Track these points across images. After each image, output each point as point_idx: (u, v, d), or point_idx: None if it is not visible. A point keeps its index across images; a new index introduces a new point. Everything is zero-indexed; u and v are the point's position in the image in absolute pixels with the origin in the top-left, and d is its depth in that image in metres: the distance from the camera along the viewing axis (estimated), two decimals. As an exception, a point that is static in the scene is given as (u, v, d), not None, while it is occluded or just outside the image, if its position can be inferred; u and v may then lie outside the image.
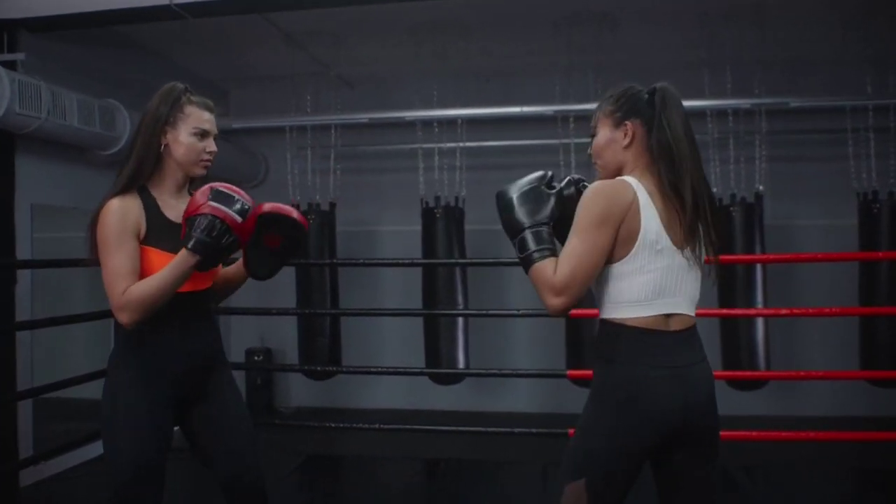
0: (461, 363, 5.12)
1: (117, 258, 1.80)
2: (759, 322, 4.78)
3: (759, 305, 4.77)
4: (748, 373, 4.70)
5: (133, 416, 1.84)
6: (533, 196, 1.72)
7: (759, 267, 4.79)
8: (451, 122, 5.28)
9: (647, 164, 1.70)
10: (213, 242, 1.78)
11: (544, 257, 1.65)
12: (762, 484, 3.78)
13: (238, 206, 1.81)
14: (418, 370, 4.61)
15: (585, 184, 1.86)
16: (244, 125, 5.65)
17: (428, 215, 5.17)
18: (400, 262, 4.46)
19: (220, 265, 2.02)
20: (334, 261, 5.27)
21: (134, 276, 1.80)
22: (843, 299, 4.76)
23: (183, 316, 1.91)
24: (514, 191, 1.74)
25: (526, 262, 1.67)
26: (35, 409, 4.10)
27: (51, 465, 3.94)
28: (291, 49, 4.93)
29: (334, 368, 4.78)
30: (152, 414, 1.86)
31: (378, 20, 4.56)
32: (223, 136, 5.77)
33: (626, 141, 1.71)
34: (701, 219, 1.66)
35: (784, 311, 4.14)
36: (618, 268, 1.65)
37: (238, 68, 5.71)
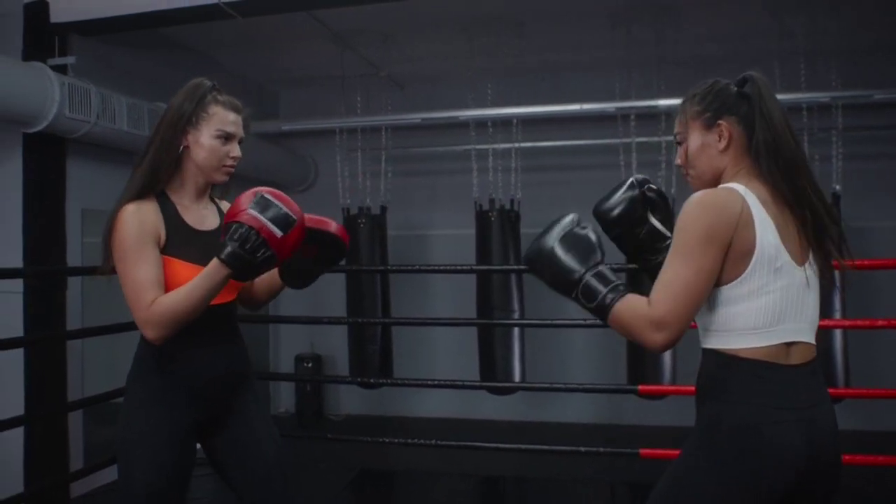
0: (517, 373, 4.94)
1: (140, 268, 1.63)
2: (838, 333, 4.47)
3: (837, 315, 4.47)
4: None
5: (149, 444, 1.69)
6: (573, 240, 1.50)
7: (836, 273, 4.48)
8: (505, 121, 5.12)
9: (749, 167, 1.47)
10: (246, 255, 1.57)
11: (621, 294, 1.42)
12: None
13: (281, 217, 1.59)
14: (474, 384, 4.43)
15: (652, 186, 1.65)
16: (293, 127, 5.58)
17: (482, 219, 4.99)
18: (454, 268, 4.30)
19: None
20: (386, 267, 5.16)
21: (160, 286, 1.64)
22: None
23: (206, 331, 1.74)
24: (550, 242, 1.51)
25: (601, 310, 1.44)
26: (86, 417, 4.06)
27: (102, 475, 3.88)
28: (341, 49, 4.83)
29: (386, 381, 4.64)
30: (170, 441, 1.71)
31: (428, 17, 4.43)
32: (273, 139, 5.80)
33: (723, 144, 1.49)
34: (821, 227, 1.43)
35: (864, 323, 3.84)
36: (729, 291, 1.40)
37: (287, 70, 5.65)
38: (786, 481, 1.37)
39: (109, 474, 3.85)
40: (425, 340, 5.70)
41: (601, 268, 1.47)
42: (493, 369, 4.94)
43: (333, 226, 1.82)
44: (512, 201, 5.05)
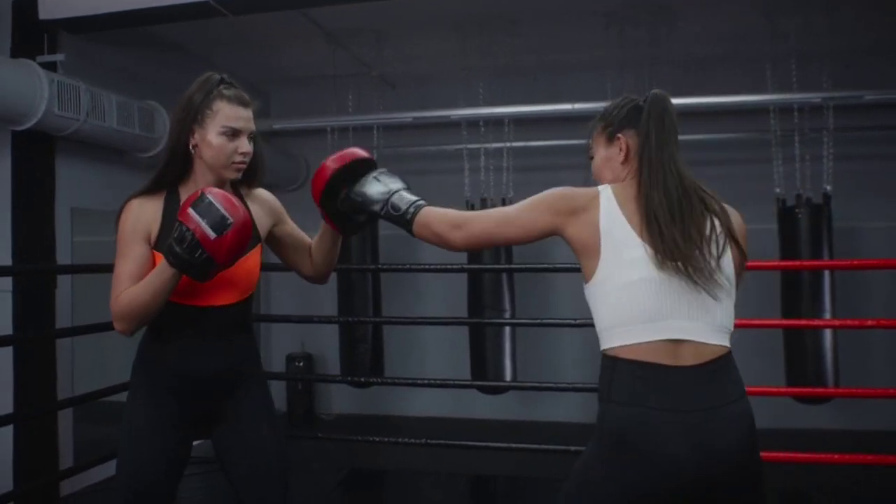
0: (508, 372, 4.94)
1: (122, 262, 1.67)
2: (827, 333, 4.49)
3: (827, 315, 4.49)
4: (812, 389, 4.41)
5: (137, 436, 1.73)
6: (382, 176, 1.76)
7: (826, 273, 4.50)
8: (497, 121, 5.12)
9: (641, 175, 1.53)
10: (183, 255, 1.57)
11: (423, 206, 1.64)
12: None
13: (216, 219, 1.56)
14: (465, 383, 4.43)
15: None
16: (285, 126, 5.56)
17: (473, 218, 4.98)
18: (444, 267, 4.29)
19: (254, 279, 1.86)
20: (377, 266, 5.13)
21: (133, 280, 1.65)
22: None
23: (199, 331, 1.74)
24: (361, 181, 1.74)
25: (405, 218, 1.65)
26: (75, 415, 4.04)
27: (91, 474, 3.86)
28: (332, 48, 4.82)
29: (377, 380, 4.64)
30: (158, 434, 1.73)
31: (420, 16, 4.42)
32: (264, 137, 5.68)
33: (622, 156, 1.57)
34: (704, 230, 1.45)
35: (870, 322, 3.84)
36: (594, 288, 1.47)
37: (279, 69, 5.62)
38: (666, 486, 1.36)
39: (99, 473, 3.84)
40: (416, 340, 5.69)
41: (403, 191, 1.71)
42: (484, 368, 4.94)
43: (360, 152, 1.83)
44: (503, 201, 5.03)
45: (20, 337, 3.69)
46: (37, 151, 3.84)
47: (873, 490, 3.66)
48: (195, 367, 1.75)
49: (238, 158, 1.74)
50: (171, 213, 1.70)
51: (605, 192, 1.50)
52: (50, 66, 3.72)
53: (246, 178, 1.83)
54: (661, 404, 1.36)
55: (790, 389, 4.40)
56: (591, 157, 1.66)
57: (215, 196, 1.59)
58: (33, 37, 3.80)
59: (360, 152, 1.82)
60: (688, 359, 1.40)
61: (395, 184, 1.74)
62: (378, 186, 1.72)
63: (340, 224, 1.84)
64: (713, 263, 1.44)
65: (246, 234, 1.64)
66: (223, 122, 1.71)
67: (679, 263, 1.41)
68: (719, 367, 1.43)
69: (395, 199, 1.69)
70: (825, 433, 4.97)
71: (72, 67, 3.84)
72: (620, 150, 1.56)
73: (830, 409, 4.89)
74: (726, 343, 1.46)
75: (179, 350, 1.74)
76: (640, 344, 1.40)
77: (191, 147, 1.73)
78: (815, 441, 4.45)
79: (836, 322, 4.48)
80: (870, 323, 3.53)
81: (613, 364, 1.43)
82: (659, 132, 1.49)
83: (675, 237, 1.42)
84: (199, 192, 1.61)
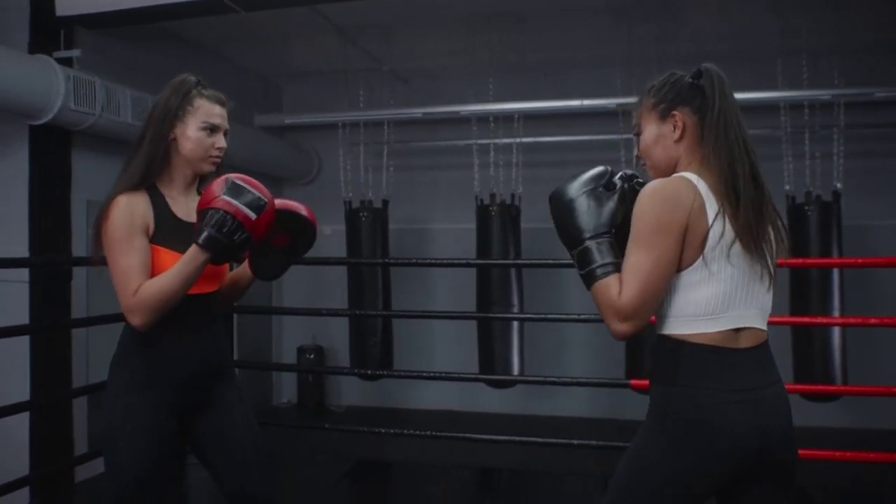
0: (515, 366, 4.97)
1: (127, 257, 1.68)
2: (836, 331, 4.48)
3: (836, 313, 4.48)
4: (820, 387, 4.41)
5: (132, 427, 1.72)
6: (594, 199, 1.49)
7: (835, 271, 4.49)
8: (507, 117, 5.14)
9: (703, 156, 1.48)
10: (223, 239, 1.65)
11: (608, 273, 1.44)
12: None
13: (253, 201, 1.66)
14: (472, 376, 4.47)
15: (640, 181, 1.63)
16: (296, 121, 5.61)
17: (483, 213, 5.03)
18: (453, 262, 4.33)
19: (228, 267, 1.92)
20: (386, 260, 5.19)
21: (145, 274, 1.69)
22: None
23: (188, 319, 1.79)
24: (572, 192, 1.51)
25: (588, 279, 1.47)
26: (90, 403, 4.12)
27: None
28: (344, 44, 4.86)
29: (386, 373, 4.69)
30: (153, 424, 1.73)
31: (431, 12, 4.46)
32: (276, 132, 5.84)
33: (677, 133, 1.51)
34: (767, 218, 1.45)
35: (873, 321, 3.83)
36: (683, 277, 1.43)
37: (291, 64, 5.69)
38: (733, 462, 1.41)
39: (112, 461, 3.92)
40: (425, 334, 5.74)
41: (604, 238, 1.48)
42: (491, 363, 4.97)
43: (304, 209, 1.87)
44: (513, 196, 5.08)
45: (37, 326, 3.77)
46: (53, 145, 3.93)
47: (882, 488, 3.66)
48: (184, 355, 1.80)
49: (214, 153, 1.83)
50: (161, 208, 1.76)
51: (700, 183, 1.44)
52: (66, 62, 3.80)
53: (216, 176, 1.89)
54: (726, 385, 1.41)
55: (798, 387, 4.38)
56: (637, 134, 1.60)
57: (243, 180, 1.69)
58: (50, 33, 3.88)
59: (304, 211, 1.90)
60: (746, 342, 1.45)
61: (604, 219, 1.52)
62: (585, 214, 1.53)
63: (260, 267, 1.91)
64: (773, 251, 1.48)
65: (274, 213, 1.74)
66: (203, 117, 1.79)
67: (757, 255, 1.44)
68: (767, 349, 1.49)
69: (599, 245, 1.49)
70: (833, 431, 4.96)
71: (87, 63, 3.92)
72: (675, 127, 1.51)
73: (838, 408, 4.88)
74: (766, 328, 1.51)
75: (171, 339, 1.78)
76: (710, 332, 1.43)
77: (170, 142, 1.80)
78: (822, 439, 4.45)
79: (839, 320, 4.47)
80: (873, 321, 3.51)
81: (679, 348, 1.45)
82: (730, 108, 1.46)
83: (757, 229, 1.44)
84: (224, 178, 1.68)
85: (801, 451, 3.25)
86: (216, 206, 1.65)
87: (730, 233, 1.42)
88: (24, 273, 3.77)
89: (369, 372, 4.72)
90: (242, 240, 1.67)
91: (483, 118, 5.17)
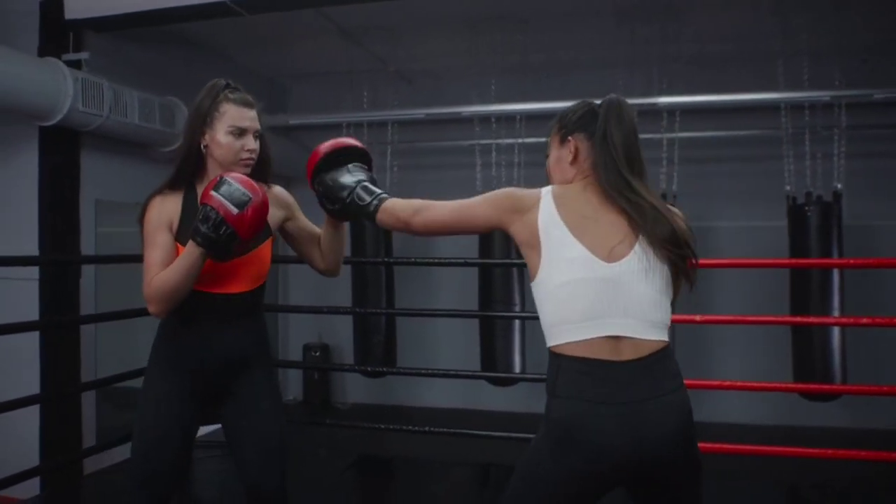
0: (517, 364, 5.02)
1: (151, 251, 1.81)
2: (835, 331, 4.50)
3: (836, 313, 4.50)
4: (820, 386, 4.43)
5: (157, 404, 1.89)
6: (354, 168, 1.85)
7: (835, 272, 4.51)
8: (509, 117, 5.18)
9: (590, 177, 1.60)
10: (210, 233, 1.72)
11: (387, 197, 1.76)
12: None
13: (237, 196, 1.72)
14: (475, 374, 4.52)
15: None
16: (301, 121, 5.67)
17: (485, 213, 5.05)
18: (456, 261, 4.38)
19: (265, 269, 1.98)
20: (390, 259, 5.23)
21: (162, 267, 1.80)
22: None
23: (216, 316, 1.89)
24: (336, 170, 1.85)
25: (369, 209, 1.76)
26: (98, 397, 4.20)
27: (113, 454, 4.03)
28: (348, 45, 4.92)
29: (388, 370, 4.75)
30: (177, 404, 1.89)
31: (435, 14, 4.50)
32: (282, 132, 5.90)
33: (570, 157, 1.63)
34: (642, 229, 1.51)
35: (864, 321, 3.85)
36: (537, 287, 1.54)
37: (295, 65, 5.75)
38: (603, 474, 1.45)
39: (121, 452, 3.99)
40: (428, 331, 5.78)
41: (367, 183, 1.82)
42: (494, 360, 5.02)
43: (347, 140, 1.95)
44: (515, 196, 5.11)
45: (47, 322, 3.86)
46: (63, 146, 4.01)
47: (881, 488, 3.68)
48: (214, 349, 1.90)
49: (245, 155, 1.89)
50: (190, 206, 1.86)
51: (547, 194, 1.57)
52: (75, 65, 3.88)
53: (259, 176, 1.95)
54: (599, 398, 1.45)
55: (798, 386, 4.41)
56: (547, 156, 1.72)
57: (234, 178, 1.76)
58: (59, 36, 3.96)
59: (353, 142, 1.95)
60: (627, 354, 1.47)
61: (361, 175, 1.85)
62: (347, 177, 1.85)
63: (331, 208, 1.95)
64: (646, 262, 1.51)
65: (264, 211, 1.79)
66: (230, 122, 1.86)
67: (612, 263, 1.49)
68: (656, 360, 1.49)
69: (360, 189, 1.81)
70: (832, 430, 4.98)
71: (96, 65, 4.00)
72: (570, 151, 1.62)
73: (838, 407, 4.90)
74: (664, 338, 1.53)
75: (199, 333, 1.89)
76: (581, 341, 1.48)
77: (202, 147, 1.88)
78: (822, 438, 4.47)
79: (832, 319, 4.47)
80: (864, 321, 3.52)
81: (559, 361, 1.51)
82: (614, 133, 1.56)
83: (608, 237, 1.51)
84: (219, 176, 1.77)
85: (801, 450, 3.32)
86: (204, 202, 1.73)
87: (569, 239, 1.50)
88: (34, 271, 3.86)
89: (374, 369, 4.78)
90: (228, 234, 1.72)
91: (485, 119, 5.22)
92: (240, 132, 1.87)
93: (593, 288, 1.48)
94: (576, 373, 1.48)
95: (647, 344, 1.49)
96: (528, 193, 1.59)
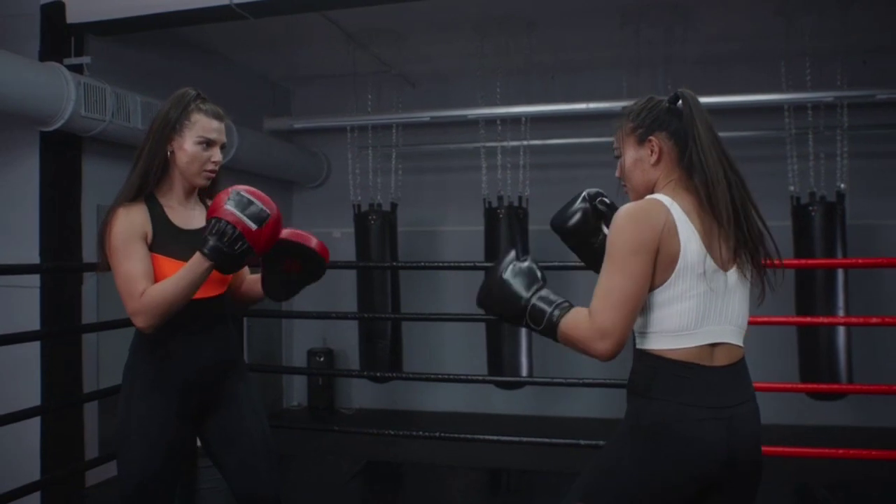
0: (524, 368, 4.99)
1: (130, 262, 1.74)
2: (841, 330, 4.50)
3: (841, 312, 4.50)
4: (826, 385, 4.43)
5: (143, 427, 1.79)
6: (516, 272, 1.58)
7: (840, 271, 4.51)
8: (514, 119, 5.17)
9: (679, 178, 1.54)
10: (224, 248, 1.69)
11: (566, 311, 1.50)
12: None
13: (255, 212, 1.70)
14: (482, 378, 4.49)
15: (605, 199, 1.73)
16: (305, 125, 5.64)
17: (491, 215, 5.05)
18: (461, 264, 4.36)
19: (242, 271, 1.98)
20: (395, 263, 5.20)
21: (148, 278, 1.75)
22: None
23: (194, 323, 1.85)
24: (495, 278, 1.59)
25: (550, 329, 1.51)
26: (101, 407, 4.14)
27: (115, 466, 3.97)
28: (353, 48, 4.89)
29: (395, 374, 4.72)
30: (162, 425, 1.80)
31: (440, 17, 4.47)
32: (286, 136, 5.86)
33: (654, 158, 1.55)
34: (745, 234, 1.48)
35: (874, 320, 3.85)
36: (656, 295, 1.47)
37: (300, 68, 5.71)
38: (699, 476, 1.44)
39: (124, 464, 3.95)
40: (434, 335, 5.75)
41: (543, 291, 1.55)
42: (500, 364, 4.98)
43: (314, 242, 1.90)
44: (520, 198, 5.10)
45: (48, 332, 3.78)
46: (64, 151, 3.95)
47: (887, 486, 3.68)
48: (197, 358, 1.85)
49: (210, 166, 1.87)
50: (158, 217, 1.82)
51: (675, 208, 1.48)
52: (76, 69, 3.82)
53: (213, 187, 1.94)
54: (698, 401, 1.44)
55: (804, 386, 4.42)
56: (618, 156, 1.65)
57: (249, 192, 1.73)
58: (61, 40, 3.90)
59: (317, 246, 1.92)
60: (721, 359, 1.48)
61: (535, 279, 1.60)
62: (516, 282, 1.59)
63: (270, 288, 1.95)
64: (746, 269, 1.51)
65: (280, 227, 1.77)
66: (200, 132, 1.84)
67: (733, 273, 1.49)
68: (742, 367, 1.53)
69: (537, 302, 1.56)
70: (839, 429, 4.98)
71: (98, 69, 3.95)
72: (652, 152, 1.56)
73: (844, 406, 4.91)
74: (743, 345, 1.54)
75: (180, 343, 1.84)
76: (685, 348, 1.46)
77: (168, 154, 1.84)
78: (828, 437, 4.47)
79: (841, 319, 4.47)
80: (874, 321, 3.53)
81: (655, 363, 1.48)
82: (706, 131, 1.50)
83: (735, 248, 1.48)
84: (230, 189, 1.73)
85: (807, 450, 3.31)
86: (219, 216, 1.69)
87: (701, 251, 1.45)
88: (35, 278, 3.79)
89: (379, 374, 4.75)
90: (243, 250, 1.70)
91: (491, 121, 5.20)
92: (208, 143, 1.85)
93: (713, 299, 1.47)
94: (674, 376, 1.46)
95: (737, 350, 1.51)
96: (654, 210, 1.46)
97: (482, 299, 1.62)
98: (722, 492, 1.49)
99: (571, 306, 1.52)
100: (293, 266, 1.91)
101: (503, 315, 1.59)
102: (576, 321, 1.48)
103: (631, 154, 1.59)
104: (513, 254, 1.64)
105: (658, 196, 1.51)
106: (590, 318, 1.45)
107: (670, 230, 1.44)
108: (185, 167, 1.84)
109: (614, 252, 1.45)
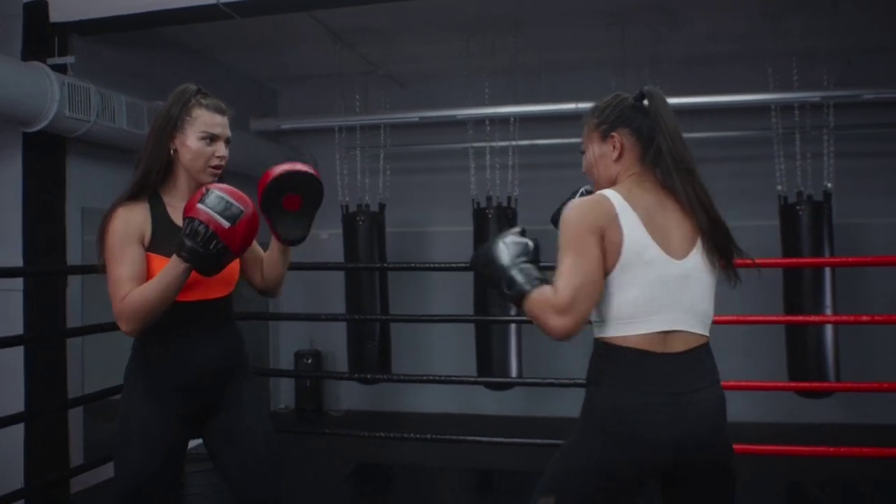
0: (514, 368, 4.98)
1: (119, 265, 1.72)
2: (828, 329, 4.53)
3: (828, 310, 4.53)
4: (814, 383, 4.45)
5: (142, 430, 1.78)
6: (513, 242, 1.62)
7: (827, 270, 4.54)
8: (502, 120, 5.16)
9: (639, 173, 1.59)
10: (199, 248, 1.64)
11: (536, 286, 1.53)
12: (838, 501, 3.55)
13: (228, 210, 1.65)
14: (471, 379, 4.48)
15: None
16: (293, 126, 5.61)
17: (479, 216, 5.04)
18: (450, 265, 4.34)
19: (238, 272, 1.93)
20: (384, 264, 5.18)
21: (134, 282, 1.71)
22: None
23: (195, 326, 1.82)
24: (490, 245, 1.64)
25: (520, 294, 1.54)
26: (86, 413, 4.09)
27: (101, 472, 3.92)
28: (340, 48, 4.87)
29: (384, 377, 4.69)
30: (162, 428, 1.78)
31: (427, 17, 4.46)
32: (272, 136, 5.82)
33: (616, 153, 1.61)
34: (703, 225, 1.53)
35: (864, 318, 3.87)
36: (608, 283, 1.51)
37: (287, 68, 5.68)
38: (649, 463, 1.47)
39: (109, 470, 3.88)
40: (424, 337, 5.73)
41: (527, 265, 1.58)
42: (490, 365, 4.97)
43: (299, 165, 1.85)
44: (509, 199, 5.10)
45: (31, 336, 3.73)
46: (48, 153, 3.89)
47: (875, 483, 3.70)
48: (199, 360, 1.82)
49: (215, 162, 1.83)
50: (160, 216, 1.79)
51: (617, 199, 1.52)
52: (60, 69, 3.77)
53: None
54: (648, 387, 1.47)
55: (792, 384, 4.44)
56: (583, 152, 1.69)
57: (222, 189, 1.69)
58: (44, 39, 3.84)
59: (304, 167, 1.87)
60: (676, 347, 1.50)
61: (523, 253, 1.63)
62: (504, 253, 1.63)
63: (283, 233, 1.89)
64: (707, 257, 1.54)
65: (256, 224, 1.72)
66: (202, 127, 1.80)
67: (691, 261, 1.52)
68: (702, 354, 1.53)
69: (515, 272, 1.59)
70: (828, 427, 5.01)
71: (82, 69, 3.89)
72: (614, 147, 1.60)
73: (832, 404, 4.94)
74: (707, 333, 1.56)
75: (181, 345, 1.80)
76: (636, 335, 1.49)
77: (171, 152, 1.81)
78: (818, 435, 4.50)
79: (832, 318, 4.51)
80: (864, 319, 3.55)
81: (607, 350, 1.52)
82: (669, 128, 1.54)
83: (676, 234, 1.52)
84: (204, 188, 1.69)
85: (795, 448, 3.33)
86: (192, 216, 1.65)
87: (645, 239, 1.49)
88: (18, 282, 3.73)
89: (368, 376, 4.72)
90: (219, 249, 1.66)
91: (479, 121, 5.19)
92: (212, 138, 1.81)
93: (663, 287, 1.50)
94: (624, 363, 1.49)
95: (696, 337, 1.52)
96: (597, 202, 1.52)
97: (473, 259, 1.68)
98: (684, 485, 1.52)
99: (547, 284, 1.55)
100: (293, 201, 1.85)
101: (486, 277, 1.64)
102: (542, 294, 1.51)
103: (595, 149, 1.65)
104: (518, 229, 1.68)
105: (603, 191, 1.56)
106: (552, 294, 1.48)
107: (610, 219, 1.48)
108: (189, 164, 1.80)
109: (565, 239, 1.50)
